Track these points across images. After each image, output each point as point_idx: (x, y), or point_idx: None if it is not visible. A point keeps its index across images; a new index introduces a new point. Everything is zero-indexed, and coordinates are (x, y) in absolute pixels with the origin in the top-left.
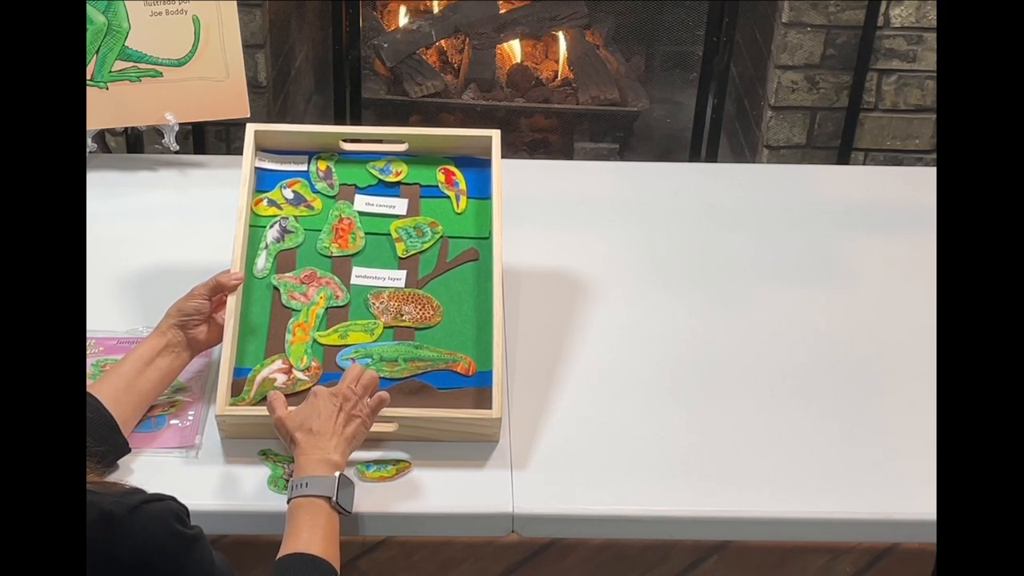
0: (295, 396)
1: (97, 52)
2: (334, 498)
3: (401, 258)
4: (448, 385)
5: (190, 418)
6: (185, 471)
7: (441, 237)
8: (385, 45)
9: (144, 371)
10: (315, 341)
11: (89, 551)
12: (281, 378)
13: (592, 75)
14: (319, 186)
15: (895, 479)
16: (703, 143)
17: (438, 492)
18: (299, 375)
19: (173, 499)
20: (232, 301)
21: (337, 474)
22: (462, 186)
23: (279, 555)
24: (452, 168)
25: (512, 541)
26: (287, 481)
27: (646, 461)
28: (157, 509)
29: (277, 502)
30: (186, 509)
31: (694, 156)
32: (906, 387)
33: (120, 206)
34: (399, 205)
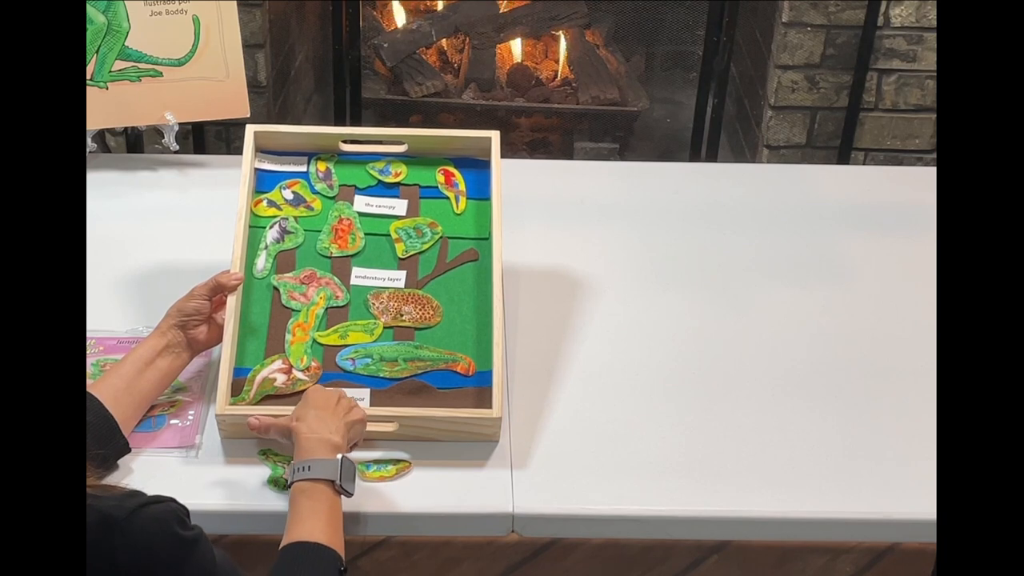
0: (295, 396)
1: (97, 52)
2: (338, 481)
3: (401, 259)
4: (448, 385)
5: (190, 418)
6: (185, 471)
7: (441, 238)
8: (385, 45)
9: (144, 371)
10: (315, 341)
11: (88, 554)
12: (281, 378)
13: (592, 75)
14: (319, 187)
15: (895, 479)
16: (703, 143)
17: (438, 492)
18: (299, 375)
19: (173, 500)
20: (232, 301)
21: (339, 456)
22: (461, 187)
23: (282, 543)
24: (451, 169)
25: (512, 541)
26: (287, 481)
27: (646, 461)
28: (157, 512)
29: (277, 502)
30: (186, 510)
31: (694, 156)
32: (906, 387)
33: (120, 206)
34: (399, 206)
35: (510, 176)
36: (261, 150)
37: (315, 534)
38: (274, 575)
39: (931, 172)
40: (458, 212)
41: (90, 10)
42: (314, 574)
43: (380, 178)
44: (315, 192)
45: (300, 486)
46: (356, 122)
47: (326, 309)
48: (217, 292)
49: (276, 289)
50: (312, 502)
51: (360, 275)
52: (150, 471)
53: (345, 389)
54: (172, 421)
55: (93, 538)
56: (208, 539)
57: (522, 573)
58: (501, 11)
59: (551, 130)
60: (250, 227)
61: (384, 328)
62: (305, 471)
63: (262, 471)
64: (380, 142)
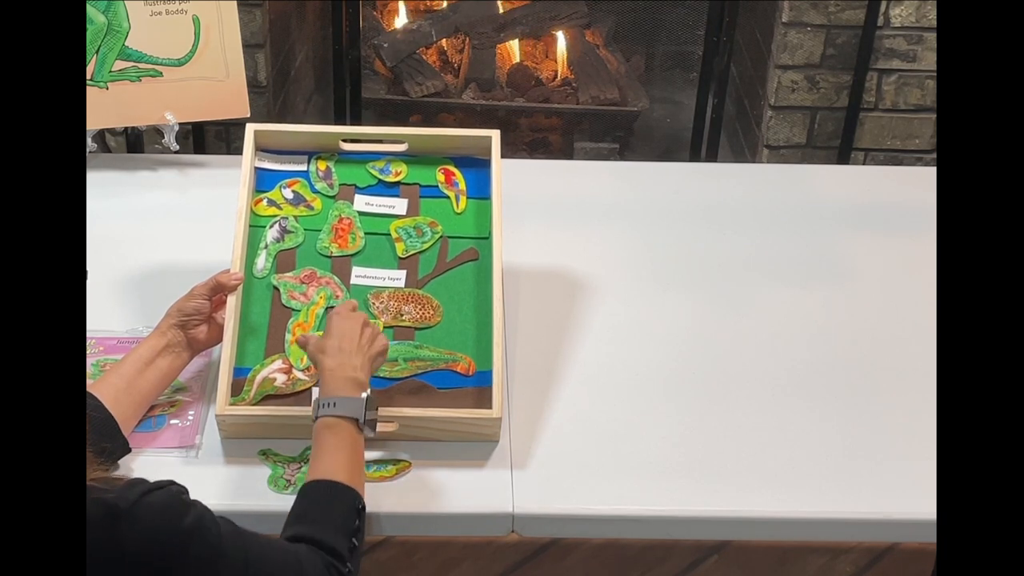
0: (295, 396)
1: (97, 52)
2: (362, 420)
3: (401, 258)
4: (448, 385)
5: (190, 418)
6: (185, 471)
7: (441, 237)
8: (385, 45)
9: (144, 371)
10: None
11: (96, 546)
12: (281, 378)
13: (592, 75)
14: (319, 186)
15: (895, 479)
16: (703, 143)
17: (438, 492)
18: (299, 375)
19: (172, 482)
20: (232, 301)
21: (364, 395)
22: (462, 186)
23: (305, 480)
24: (452, 168)
25: (512, 541)
26: (287, 481)
27: (646, 461)
28: (159, 499)
29: (277, 502)
30: (185, 489)
31: (694, 156)
32: (906, 387)
33: (120, 206)
34: (399, 205)
35: (510, 176)
36: (261, 149)
37: (337, 471)
38: (294, 513)
39: (931, 172)
40: (458, 211)
41: (90, 10)
42: (334, 512)
43: (380, 177)
44: (315, 191)
45: (325, 421)
46: (356, 122)
47: (326, 309)
48: (217, 292)
49: (276, 289)
50: (336, 438)
51: (360, 275)
52: (150, 471)
53: None
54: (172, 421)
55: (100, 530)
56: (211, 513)
57: (522, 573)
58: (501, 11)
59: (551, 130)
60: (250, 226)
61: (384, 328)
62: (331, 407)
63: (262, 471)
64: (380, 141)
